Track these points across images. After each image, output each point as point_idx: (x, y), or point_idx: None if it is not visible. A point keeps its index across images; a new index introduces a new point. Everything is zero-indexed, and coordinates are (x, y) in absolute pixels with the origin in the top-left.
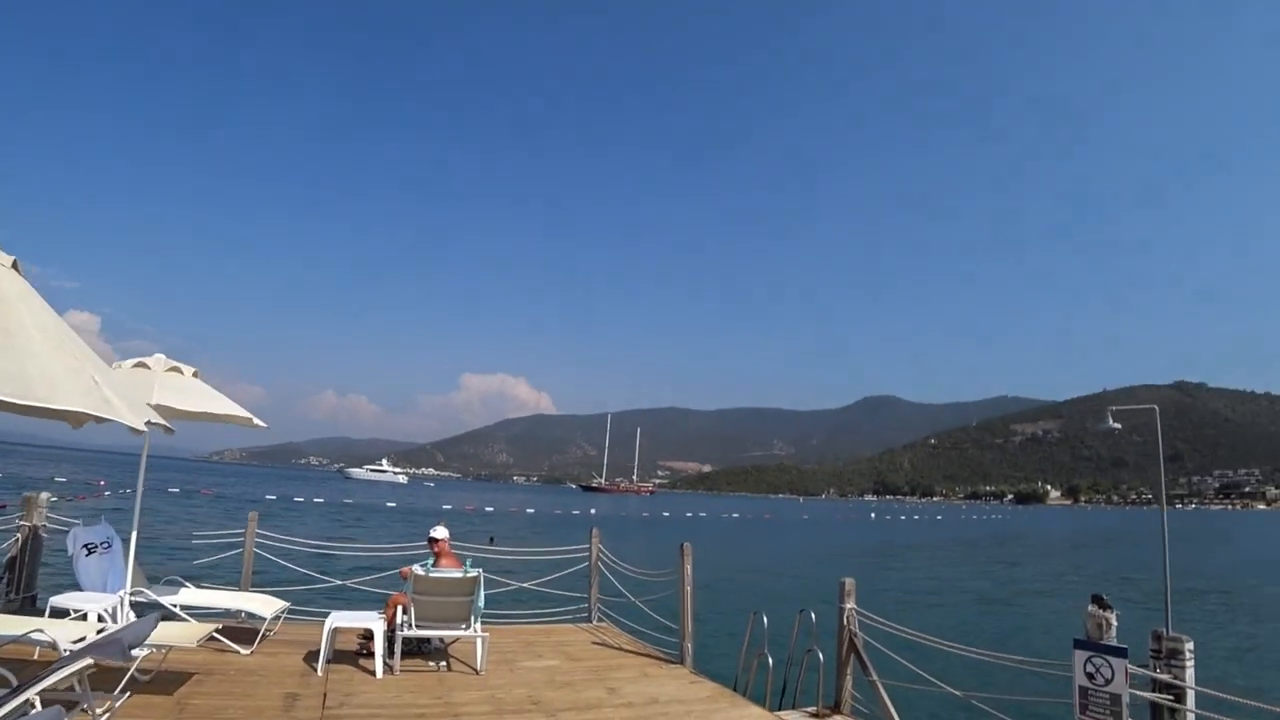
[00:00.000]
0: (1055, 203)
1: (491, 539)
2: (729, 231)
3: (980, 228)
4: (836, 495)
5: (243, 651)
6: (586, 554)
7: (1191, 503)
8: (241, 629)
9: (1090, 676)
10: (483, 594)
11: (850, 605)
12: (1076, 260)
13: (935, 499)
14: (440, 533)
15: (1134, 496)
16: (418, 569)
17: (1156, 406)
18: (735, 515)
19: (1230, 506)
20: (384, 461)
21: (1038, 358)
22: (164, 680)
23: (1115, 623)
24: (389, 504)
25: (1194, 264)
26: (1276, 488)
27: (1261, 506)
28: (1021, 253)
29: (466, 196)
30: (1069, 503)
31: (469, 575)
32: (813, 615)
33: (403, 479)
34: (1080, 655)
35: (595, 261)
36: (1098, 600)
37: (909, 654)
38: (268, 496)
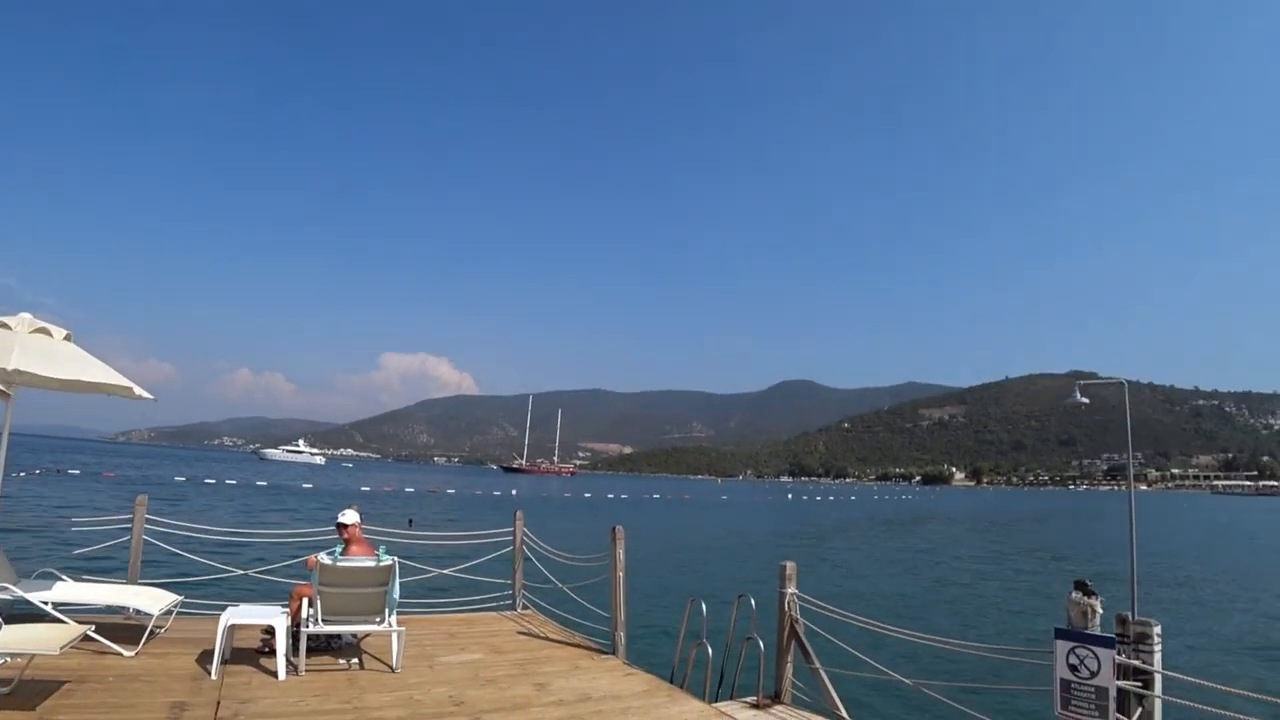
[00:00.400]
0: (959, 200)
1: (410, 521)
2: (650, 216)
3: (895, 222)
4: (754, 476)
5: (126, 653)
6: (510, 538)
7: (1083, 484)
8: (126, 627)
9: (1073, 669)
10: (398, 584)
11: (791, 590)
12: (981, 256)
13: (848, 480)
14: (350, 517)
15: (1031, 478)
16: (324, 558)
17: (1125, 383)
18: (656, 496)
19: (1116, 487)
20: (301, 442)
21: (945, 347)
22: (26, 692)
23: (1100, 610)
24: (305, 486)
25: (1086, 263)
26: (1157, 470)
27: (1143, 487)
28: (931, 247)
29: (385, 172)
30: (972, 484)
31: (382, 564)
32: (752, 601)
33: (320, 460)
34: (1062, 646)
35: (519, 242)
36: (1081, 586)
37: (853, 641)
38: (176, 479)
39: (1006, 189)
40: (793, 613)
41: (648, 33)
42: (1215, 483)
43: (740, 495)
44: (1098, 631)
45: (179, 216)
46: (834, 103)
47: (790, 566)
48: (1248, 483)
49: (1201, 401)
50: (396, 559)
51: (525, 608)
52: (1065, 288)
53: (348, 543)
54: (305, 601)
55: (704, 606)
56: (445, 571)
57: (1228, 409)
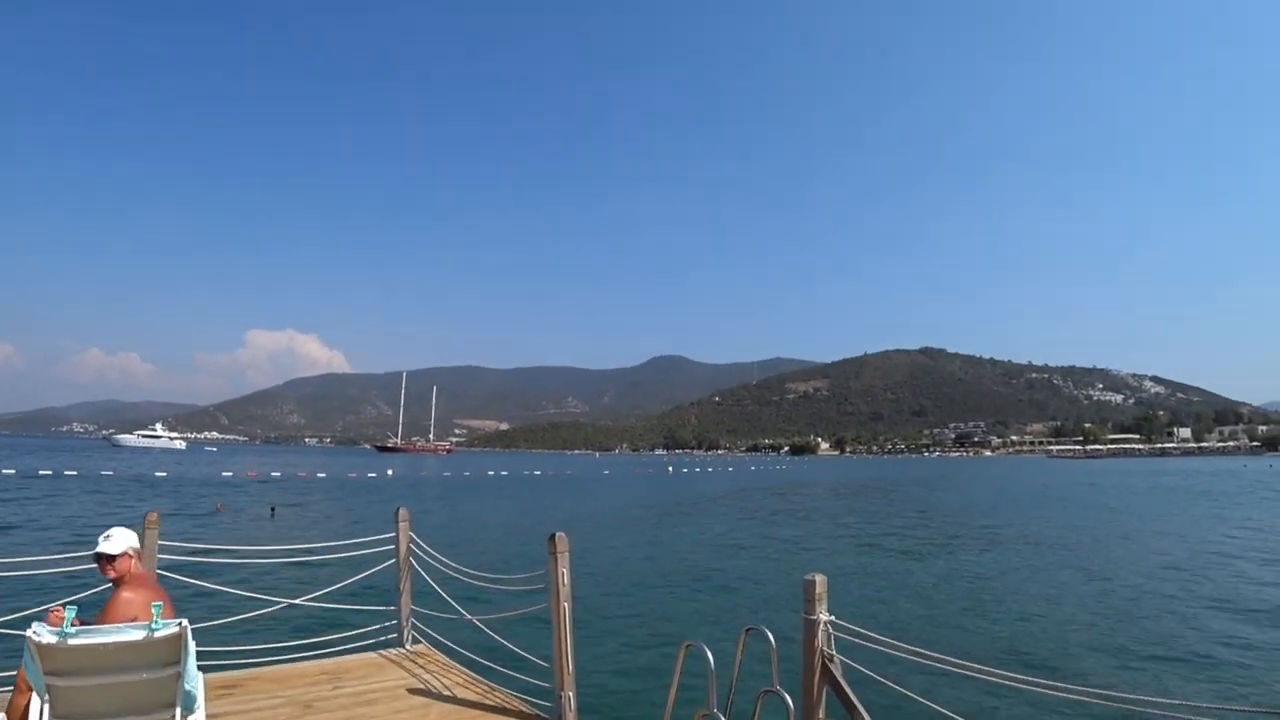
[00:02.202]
0: (829, 185)
1: (273, 510)
2: (524, 189)
3: (764, 204)
4: (630, 450)
5: None
6: (392, 546)
7: (935, 451)
8: None
9: None
10: (193, 663)
11: (823, 617)
12: (843, 237)
13: (720, 452)
14: (117, 544)
15: (890, 446)
16: (41, 634)
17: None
18: (537, 473)
19: (966, 454)
20: (158, 426)
21: (809, 324)
22: None
23: None
24: (158, 474)
25: (937, 247)
26: (999, 437)
27: (988, 453)
28: (797, 227)
29: (255, 137)
30: (837, 453)
31: (156, 635)
32: (770, 637)
33: (180, 445)
34: None
35: (385, 216)
36: None
37: (897, 672)
38: (4, 471)
39: (865, 185)
40: (826, 647)
41: None
42: (1050, 448)
43: (621, 469)
44: None
45: (13, 179)
46: (702, 87)
47: (820, 582)
48: (1078, 447)
49: (1034, 375)
50: (186, 623)
51: (416, 642)
52: (917, 270)
53: (117, 585)
54: (32, 699)
55: (710, 656)
56: (298, 601)
57: (1055, 381)
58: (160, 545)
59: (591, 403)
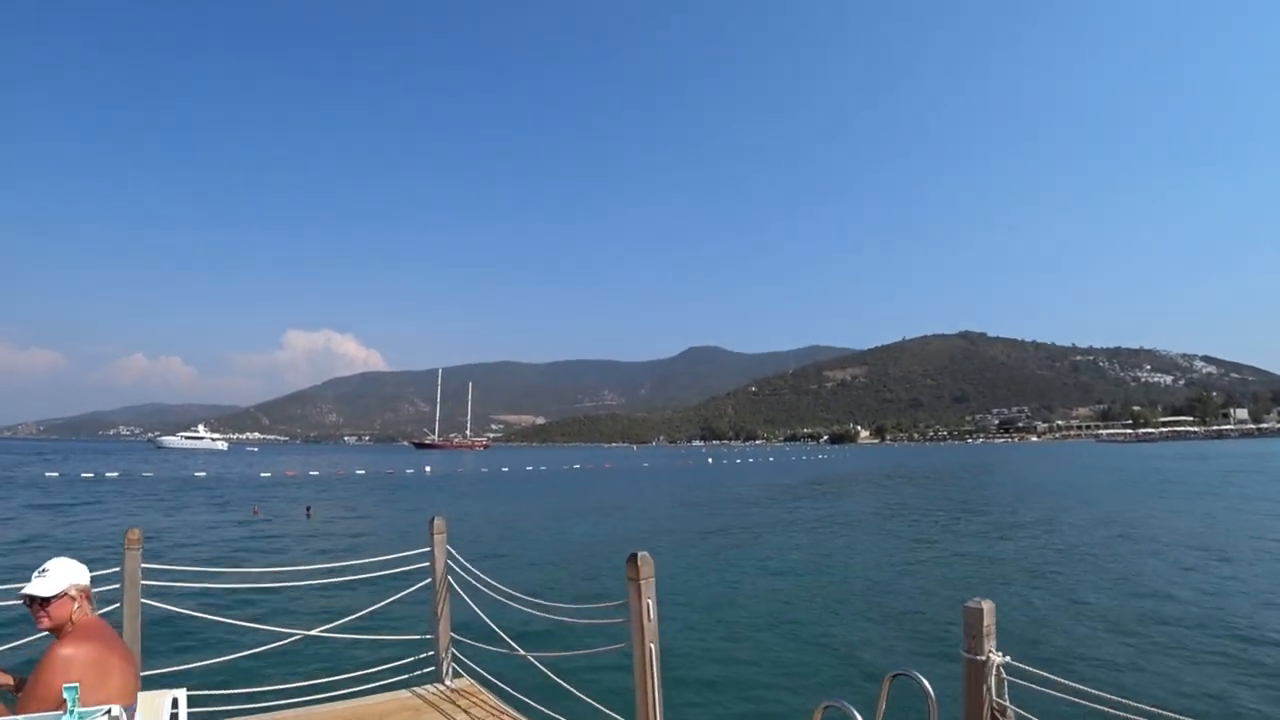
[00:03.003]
0: (867, 170)
1: (309, 510)
2: (554, 185)
3: (796, 188)
4: (666, 442)
5: None
6: (426, 564)
7: (979, 437)
8: None
9: None
10: None
11: (994, 656)
12: (879, 221)
13: (758, 442)
14: (53, 583)
15: (931, 434)
16: None
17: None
18: (576, 466)
19: (1010, 439)
20: (200, 427)
21: (846, 310)
22: None
23: None
24: (198, 474)
25: (975, 228)
26: (1044, 422)
27: (1034, 439)
28: (832, 212)
29: (287, 140)
30: (877, 441)
31: None
32: (926, 685)
33: (222, 445)
34: None
35: (423, 215)
36: None
37: None
38: (48, 474)
39: (891, 176)
40: (997, 697)
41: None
42: (1099, 432)
43: (660, 461)
44: None
45: (58, 194)
46: (733, 76)
47: (988, 611)
48: (1129, 431)
49: (1078, 357)
50: (176, 695)
51: (458, 676)
52: (956, 253)
53: (56, 636)
54: None
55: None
56: (314, 632)
57: (1101, 363)
58: (147, 569)
59: (627, 395)
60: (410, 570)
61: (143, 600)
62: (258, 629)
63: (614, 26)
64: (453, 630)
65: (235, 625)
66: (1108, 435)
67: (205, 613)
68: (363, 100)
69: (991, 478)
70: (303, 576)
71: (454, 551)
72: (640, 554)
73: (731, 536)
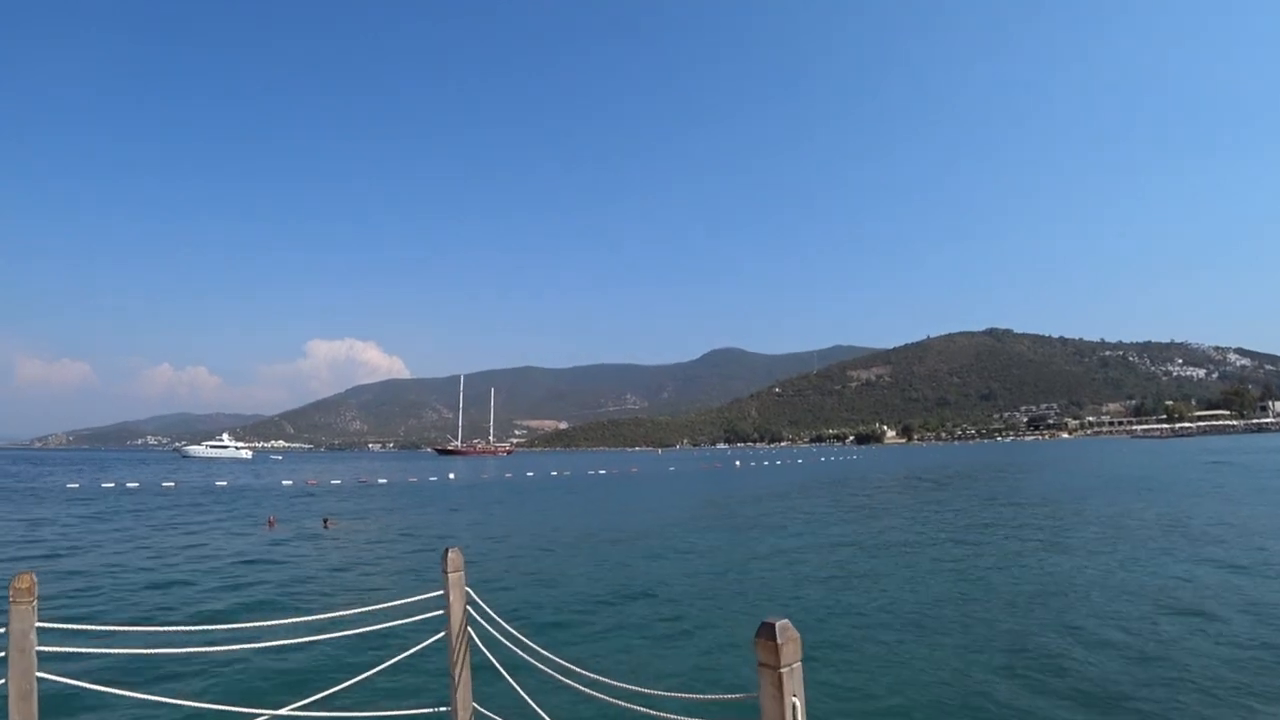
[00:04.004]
0: (885, 171)
1: (326, 521)
2: (573, 188)
3: (813, 188)
4: (690, 445)
5: None
6: (440, 609)
7: (1009, 435)
8: None
9: None
10: None
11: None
12: (901, 219)
13: (783, 443)
14: None
15: (959, 433)
16: None
17: None
18: (602, 471)
19: (1041, 437)
20: (225, 436)
21: (869, 310)
22: None
23: None
24: (218, 484)
25: (1003, 223)
26: (1074, 419)
27: (1065, 436)
28: (850, 210)
29: (308, 150)
30: (904, 441)
31: None
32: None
33: (247, 454)
34: None
35: (442, 223)
36: None
37: None
38: (69, 485)
39: (922, 167)
40: None
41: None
42: (1133, 428)
43: (686, 465)
44: None
45: (81, 210)
46: (743, 69)
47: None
48: (1164, 426)
49: (1107, 352)
50: None
51: None
52: (980, 253)
53: None
54: None
55: None
56: (287, 712)
57: (1131, 358)
58: (47, 630)
59: (650, 398)
60: (421, 621)
61: (39, 674)
62: (210, 712)
63: (622, 26)
64: (475, 702)
65: (178, 707)
66: (1143, 431)
67: (135, 687)
68: (385, 109)
69: (1059, 475)
70: (278, 635)
71: (476, 596)
72: (779, 624)
73: (779, 544)
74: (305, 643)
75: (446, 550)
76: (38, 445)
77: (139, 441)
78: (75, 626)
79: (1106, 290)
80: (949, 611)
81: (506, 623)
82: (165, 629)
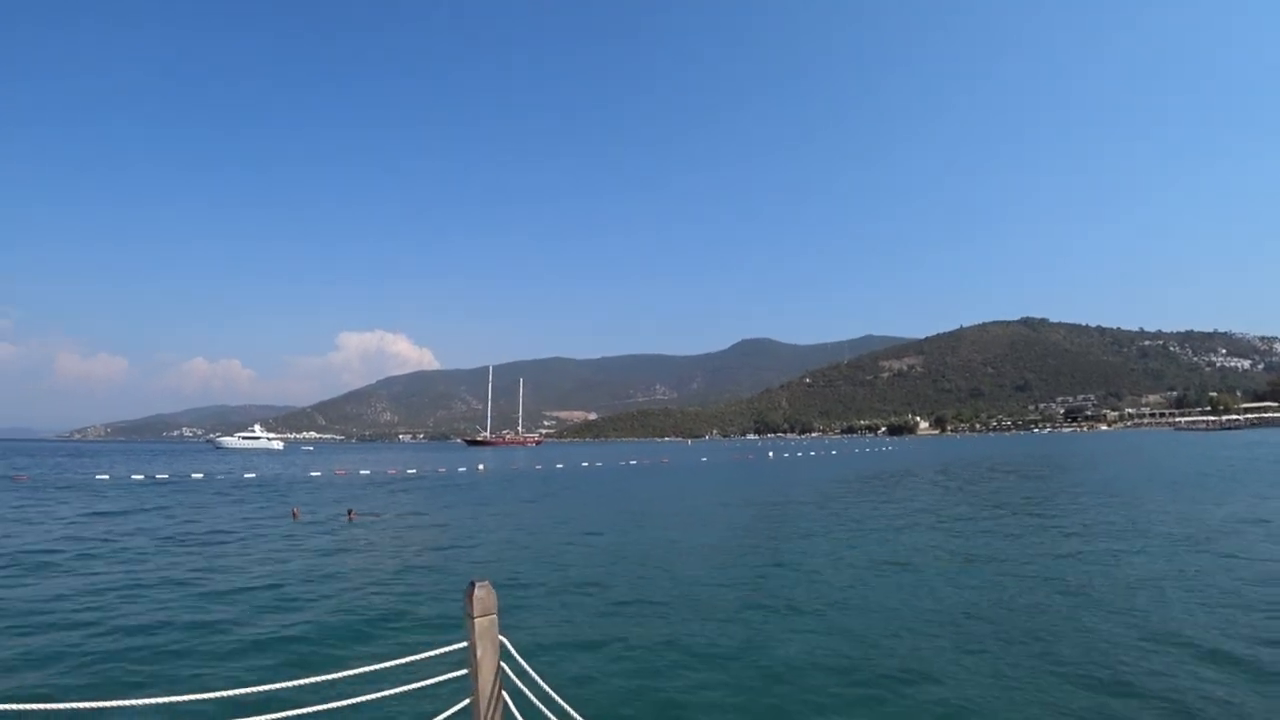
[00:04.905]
0: (916, 157)
1: (350, 513)
2: (599, 181)
3: (847, 178)
4: (720, 436)
5: None
6: (464, 669)
7: (1045, 427)
8: None
9: None
10: None
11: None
12: (931, 209)
13: (814, 434)
14: None
15: (994, 424)
16: None
17: None
18: (633, 462)
19: (1079, 429)
20: (257, 427)
21: (898, 300)
22: None
23: None
24: (247, 475)
25: (1033, 211)
26: (1112, 410)
27: (1104, 427)
28: (881, 199)
29: (331, 150)
30: (937, 432)
31: None
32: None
33: (278, 445)
34: None
35: (470, 214)
36: None
37: None
38: (98, 476)
39: (953, 153)
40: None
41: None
42: (1177, 420)
43: (718, 455)
44: None
45: (118, 204)
46: (771, 63)
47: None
48: (1210, 418)
49: (1147, 342)
50: None
51: None
52: (1013, 237)
53: None
54: None
55: None
56: None
57: (1172, 348)
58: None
59: (679, 389)
60: (439, 685)
61: None
62: None
63: (639, 20)
64: None
65: None
66: (1186, 423)
67: None
68: (410, 102)
69: (1121, 467)
70: (249, 710)
71: (511, 647)
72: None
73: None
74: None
75: (472, 586)
76: (76, 437)
77: (174, 433)
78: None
79: (1145, 278)
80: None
81: (551, 687)
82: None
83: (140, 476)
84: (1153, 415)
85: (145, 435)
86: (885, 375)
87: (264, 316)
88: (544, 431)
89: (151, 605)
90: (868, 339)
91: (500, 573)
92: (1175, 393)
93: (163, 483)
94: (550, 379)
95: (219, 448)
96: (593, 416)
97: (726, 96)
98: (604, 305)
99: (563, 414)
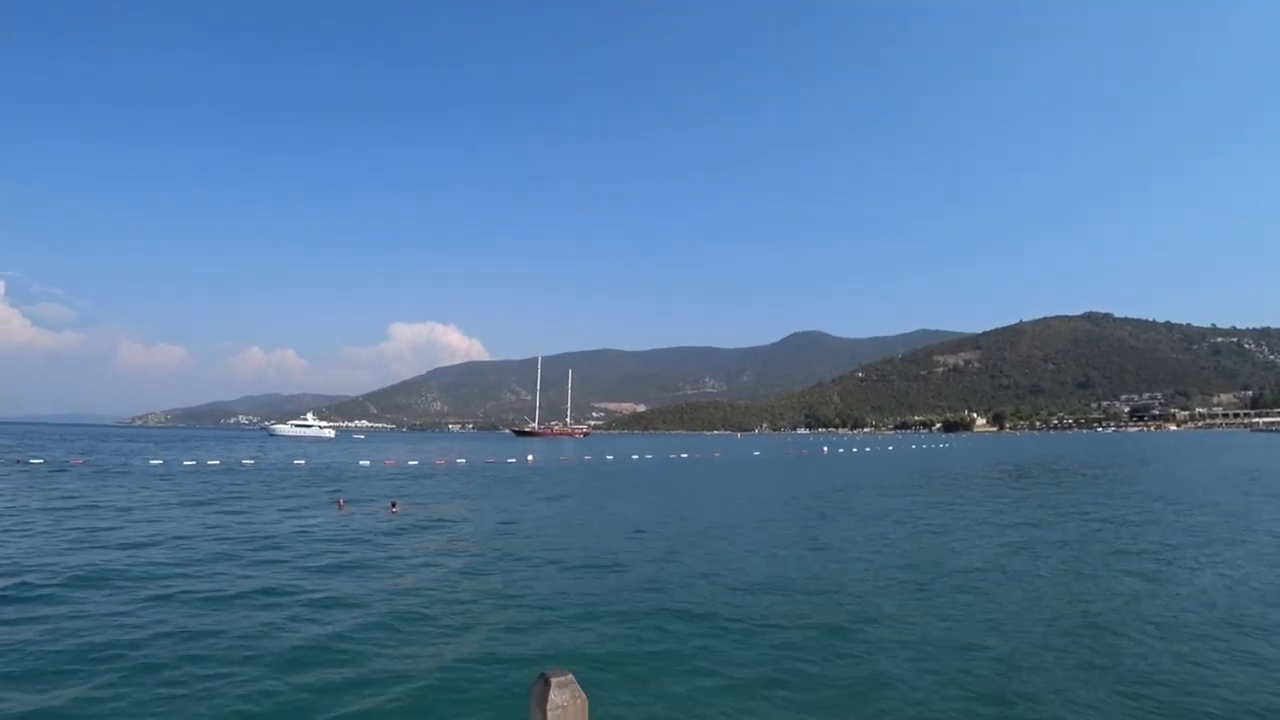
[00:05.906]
0: (966, 149)
1: (394, 504)
2: (651, 174)
3: (899, 168)
4: (770, 430)
5: None
6: None
7: (1110, 425)
8: None
9: None
10: None
11: None
12: (990, 201)
13: (866, 430)
14: None
15: (1055, 422)
16: None
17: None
18: (684, 455)
19: (1146, 428)
20: (309, 416)
21: (956, 293)
22: None
23: None
24: (297, 462)
25: (1097, 205)
26: (1180, 409)
27: (1172, 427)
28: (936, 191)
29: (384, 142)
30: (995, 429)
31: None
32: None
33: (330, 434)
34: None
35: (520, 209)
36: None
37: None
38: (152, 462)
39: (1013, 146)
40: None
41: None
42: (1254, 420)
43: (771, 450)
44: None
45: (176, 205)
46: (831, 55)
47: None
48: None
49: (1219, 339)
50: None
51: None
52: (1077, 230)
53: None
54: None
55: None
56: None
57: (1247, 345)
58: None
59: (729, 382)
60: None
61: None
62: None
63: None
64: None
65: None
66: (1265, 425)
67: None
68: (456, 76)
69: (1203, 472)
70: None
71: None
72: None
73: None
74: None
75: (545, 683)
76: (137, 423)
77: (231, 420)
78: None
79: (1218, 270)
80: None
81: None
82: None
83: (192, 462)
84: (1225, 415)
85: (204, 422)
86: (940, 370)
87: (318, 308)
88: (592, 423)
89: (151, 606)
90: (921, 333)
91: (569, 603)
92: (1250, 392)
93: (214, 469)
94: (599, 371)
95: (273, 435)
96: (641, 408)
97: (778, 81)
98: (654, 297)
99: (611, 405)
